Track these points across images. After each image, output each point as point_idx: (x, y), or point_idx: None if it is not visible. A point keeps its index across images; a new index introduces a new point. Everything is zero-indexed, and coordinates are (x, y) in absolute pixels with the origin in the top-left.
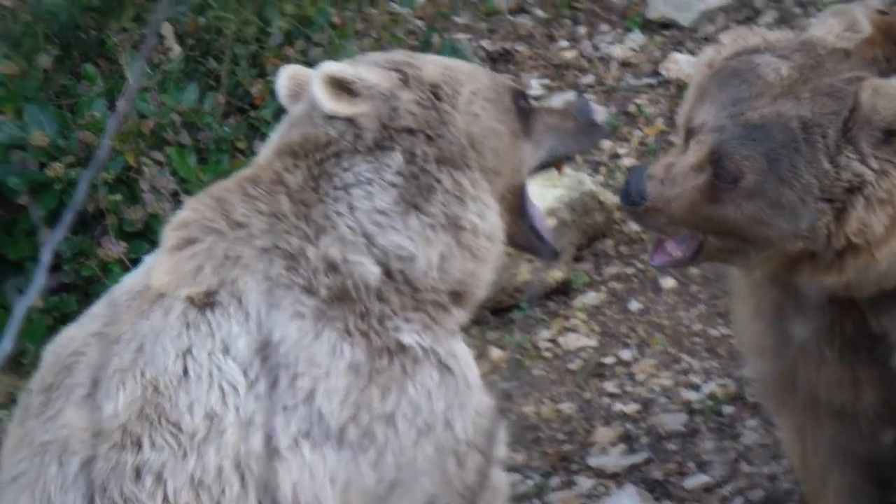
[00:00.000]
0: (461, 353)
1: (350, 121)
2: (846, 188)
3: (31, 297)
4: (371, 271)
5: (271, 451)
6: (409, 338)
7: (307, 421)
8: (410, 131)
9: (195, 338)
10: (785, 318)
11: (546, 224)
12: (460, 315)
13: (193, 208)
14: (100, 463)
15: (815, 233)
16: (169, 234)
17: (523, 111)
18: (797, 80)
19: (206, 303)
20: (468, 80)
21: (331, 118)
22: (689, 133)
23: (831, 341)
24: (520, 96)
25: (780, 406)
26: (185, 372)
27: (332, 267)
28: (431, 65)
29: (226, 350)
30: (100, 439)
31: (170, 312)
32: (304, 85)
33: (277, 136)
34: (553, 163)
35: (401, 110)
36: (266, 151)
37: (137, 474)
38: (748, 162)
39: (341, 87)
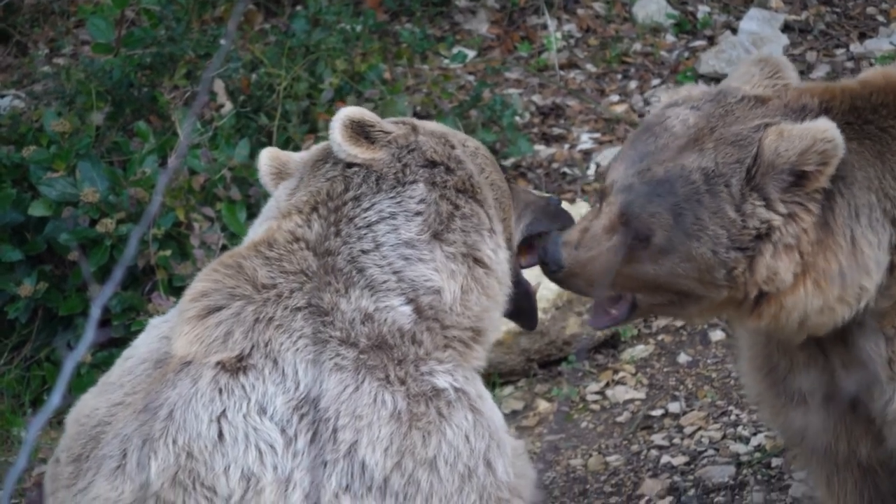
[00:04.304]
0: (486, 394)
1: (367, 167)
2: (755, 235)
3: (80, 352)
4: (403, 312)
5: None
6: (442, 381)
7: (348, 475)
8: (431, 164)
9: (229, 401)
10: (778, 373)
11: (534, 294)
12: (481, 354)
13: (211, 279)
14: None
15: (735, 282)
16: (188, 306)
17: (507, 181)
18: (703, 130)
19: (238, 367)
20: (467, 138)
21: (349, 166)
22: (603, 193)
23: (813, 393)
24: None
25: (807, 459)
26: (220, 435)
27: (367, 317)
28: (430, 123)
29: (262, 411)
30: None
31: (199, 380)
32: (286, 165)
33: (273, 208)
34: (528, 239)
35: (419, 149)
36: (260, 224)
37: None
38: (655, 219)
39: (360, 132)
